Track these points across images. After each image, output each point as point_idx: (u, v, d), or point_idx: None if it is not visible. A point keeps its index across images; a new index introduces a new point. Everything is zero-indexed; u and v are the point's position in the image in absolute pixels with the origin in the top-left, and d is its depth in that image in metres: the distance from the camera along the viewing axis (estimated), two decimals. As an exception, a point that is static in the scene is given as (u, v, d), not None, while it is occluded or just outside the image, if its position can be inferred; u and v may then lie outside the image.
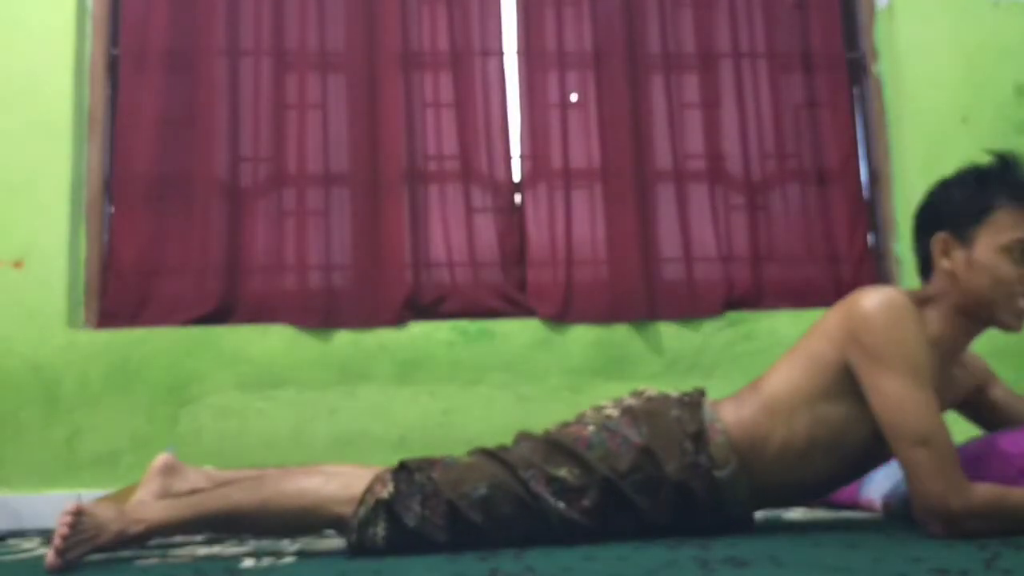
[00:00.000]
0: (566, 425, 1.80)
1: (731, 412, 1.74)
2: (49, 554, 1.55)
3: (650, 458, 1.68)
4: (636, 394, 1.86)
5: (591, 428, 1.74)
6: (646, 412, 1.75)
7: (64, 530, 1.55)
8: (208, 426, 2.61)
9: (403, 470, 1.66)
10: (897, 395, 1.57)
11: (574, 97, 2.96)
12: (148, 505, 1.69)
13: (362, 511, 1.61)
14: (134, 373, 2.62)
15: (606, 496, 1.67)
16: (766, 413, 1.72)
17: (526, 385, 2.72)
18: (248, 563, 1.61)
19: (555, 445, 1.71)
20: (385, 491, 1.61)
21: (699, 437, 1.71)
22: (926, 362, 1.59)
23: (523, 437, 1.80)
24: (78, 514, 1.58)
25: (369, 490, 1.63)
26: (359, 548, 1.63)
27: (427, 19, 2.94)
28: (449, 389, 2.70)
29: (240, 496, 1.66)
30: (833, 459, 1.73)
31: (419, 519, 1.60)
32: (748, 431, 1.71)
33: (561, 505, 1.65)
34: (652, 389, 1.87)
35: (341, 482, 1.66)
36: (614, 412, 1.78)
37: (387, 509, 1.60)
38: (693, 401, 1.79)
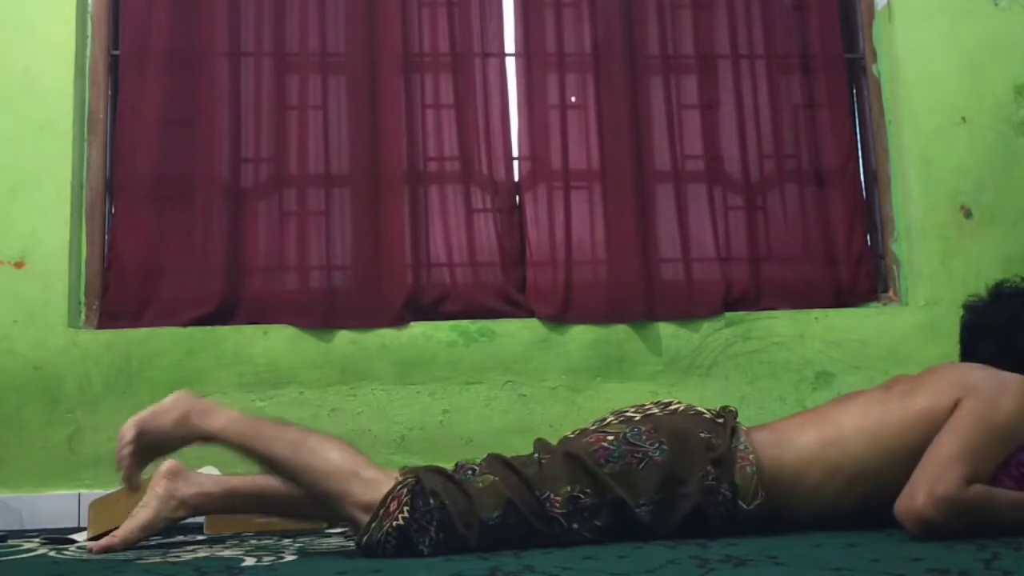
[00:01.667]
0: (585, 432, 1.78)
1: (770, 447, 1.71)
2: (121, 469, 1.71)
3: (669, 479, 1.66)
4: (662, 404, 1.82)
5: (611, 439, 1.71)
6: (671, 429, 1.71)
7: (122, 457, 1.70)
8: (209, 426, 2.61)
9: (418, 485, 1.64)
10: (973, 432, 1.61)
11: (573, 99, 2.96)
12: (214, 412, 1.76)
13: (374, 530, 1.60)
14: (135, 373, 2.62)
15: (617, 516, 1.65)
16: (828, 468, 1.69)
17: (526, 385, 2.73)
18: (249, 562, 1.62)
19: (572, 459, 1.68)
20: (400, 516, 1.60)
21: (724, 463, 1.67)
22: (1017, 438, 1.64)
23: (542, 447, 1.78)
24: (138, 436, 1.70)
25: (384, 507, 1.61)
26: (366, 553, 1.63)
27: (427, 21, 2.94)
28: (449, 389, 2.71)
29: (280, 450, 1.69)
30: (877, 507, 1.70)
31: (433, 545, 1.60)
32: (793, 475, 1.69)
33: (575, 526, 1.64)
34: (680, 402, 1.83)
35: (365, 484, 1.65)
36: (637, 421, 1.76)
37: (400, 533, 1.60)
38: (726, 424, 1.74)
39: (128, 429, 1.71)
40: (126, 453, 1.70)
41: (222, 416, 1.76)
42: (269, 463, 1.71)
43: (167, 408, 1.75)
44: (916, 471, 1.60)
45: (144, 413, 1.75)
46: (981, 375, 1.70)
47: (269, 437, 1.72)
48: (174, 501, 1.84)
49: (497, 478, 1.66)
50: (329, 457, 1.69)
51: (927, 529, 1.55)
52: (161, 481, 1.85)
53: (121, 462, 1.71)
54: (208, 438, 1.75)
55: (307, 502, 1.84)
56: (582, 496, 1.64)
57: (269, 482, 1.86)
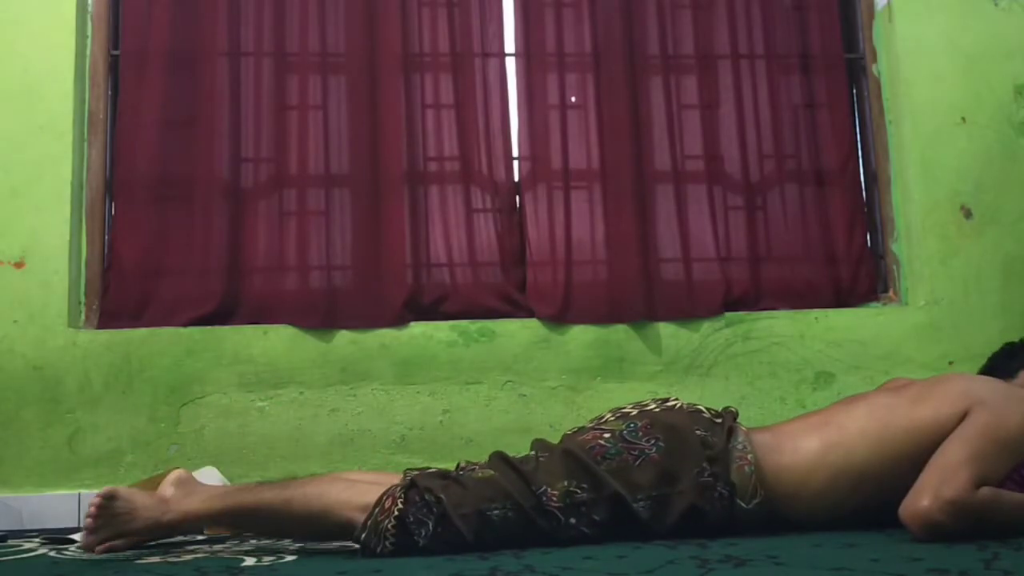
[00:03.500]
0: (583, 430, 1.79)
1: (771, 452, 1.72)
2: (83, 533, 1.68)
3: (665, 475, 1.67)
4: (661, 401, 1.83)
5: (607, 436, 1.72)
6: (667, 425, 1.72)
7: (92, 510, 1.66)
8: (209, 425, 2.62)
9: (413, 488, 1.65)
10: (982, 441, 1.62)
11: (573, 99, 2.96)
12: (185, 496, 1.75)
13: (371, 527, 1.62)
14: (135, 373, 2.62)
15: (615, 511, 1.66)
16: (831, 473, 1.70)
17: (526, 385, 2.73)
18: (249, 562, 1.62)
19: (569, 456, 1.69)
20: (395, 509, 1.61)
21: (720, 461, 1.68)
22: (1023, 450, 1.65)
23: (540, 446, 1.79)
24: (110, 497, 1.67)
25: (380, 505, 1.63)
26: (365, 552, 1.64)
27: (427, 21, 2.94)
28: (449, 389, 2.71)
29: (267, 494, 1.72)
30: (878, 509, 1.71)
31: (430, 537, 1.60)
32: (796, 480, 1.70)
33: (572, 521, 1.65)
34: (679, 400, 1.84)
35: (358, 490, 1.69)
36: (634, 417, 1.76)
37: (398, 527, 1.60)
38: (724, 423, 1.75)
39: (105, 488, 1.71)
40: (89, 508, 1.68)
41: (201, 494, 1.75)
42: (261, 510, 1.71)
43: (151, 492, 1.76)
44: (922, 475, 1.60)
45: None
46: (990, 387, 1.71)
47: (252, 490, 1.75)
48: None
49: (496, 472, 1.68)
50: (317, 481, 1.75)
51: (933, 532, 1.55)
52: (168, 488, 1.85)
53: (85, 517, 1.69)
54: (185, 519, 1.72)
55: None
56: (578, 491, 1.65)
57: (291, 481, 1.89)
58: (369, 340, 2.71)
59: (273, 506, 1.69)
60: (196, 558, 1.70)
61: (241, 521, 1.75)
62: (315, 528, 1.71)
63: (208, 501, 1.74)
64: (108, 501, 1.68)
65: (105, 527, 1.67)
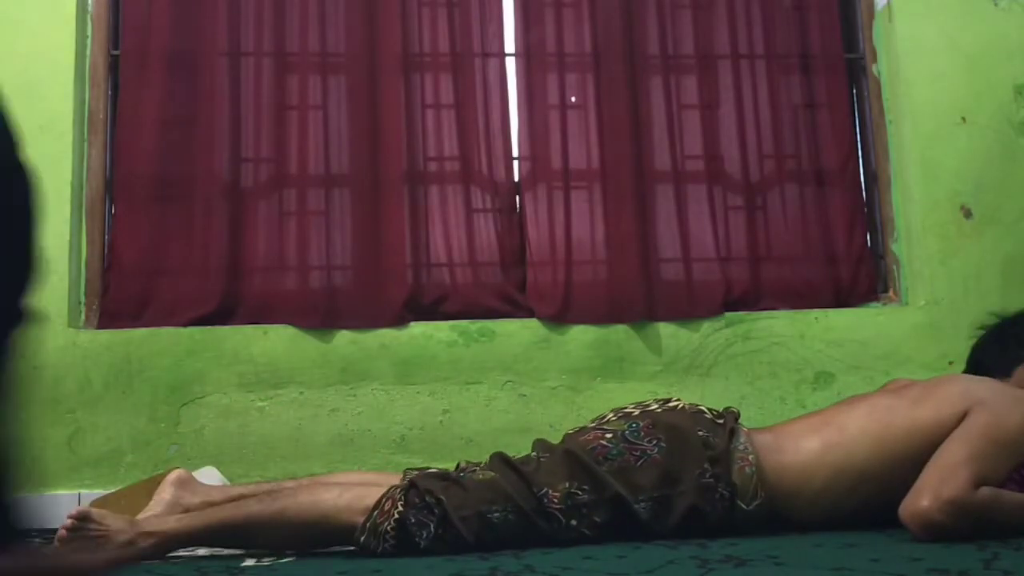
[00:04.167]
0: (585, 430, 1.79)
1: (772, 452, 1.72)
2: None
3: (667, 476, 1.67)
4: (663, 401, 1.83)
5: (609, 436, 1.72)
6: (669, 425, 1.72)
7: (62, 533, 1.57)
8: (209, 426, 2.62)
9: (413, 490, 1.65)
10: (982, 441, 1.61)
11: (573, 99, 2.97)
12: (160, 518, 1.70)
13: (370, 529, 1.62)
14: (135, 373, 2.62)
15: (616, 512, 1.66)
16: (831, 472, 1.70)
17: (526, 385, 2.73)
18: (249, 563, 1.62)
19: (571, 457, 1.69)
20: (395, 512, 1.61)
21: (721, 462, 1.68)
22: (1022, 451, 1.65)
23: (541, 447, 1.79)
24: (83, 518, 1.59)
25: (379, 508, 1.63)
26: (365, 552, 1.64)
27: (427, 21, 2.94)
28: (449, 389, 2.71)
29: (256, 506, 1.67)
30: (878, 509, 1.71)
31: (431, 539, 1.60)
32: (796, 480, 1.70)
33: (573, 523, 1.65)
34: (681, 400, 1.84)
35: (355, 493, 1.67)
36: (636, 417, 1.77)
37: (398, 529, 1.60)
38: (725, 424, 1.75)
39: (76, 509, 1.63)
40: (60, 531, 1.58)
41: (172, 519, 1.70)
42: (250, 524, 1.66)
43: (125, 516, 1.69)
44: (922, 475, 1.60)
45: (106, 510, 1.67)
46: (989, 387, 1.71)
47: (237, 503, 1.70)
48: (180, 509, 1.81)
49: (496, 474, 1.67)
50: (311, 488, 1.71)
51: (932, 532, 1.55)
52: (168, 488, 1.83)
53: (55, 540, 1.59)
54: (162, 541, 1.65)
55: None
56: (580, 492, 1.65)
57: (273, 491, 1.87)
58: (369, 340, 2.71)
59: (264, 518, 1.65)
60: (196, 558, 1.70)
61: (226, 537, 1.69)
62: (314, 535, 1.69)
63: (187, 520, 1.68)
64: (81, 523, 1.60)
65: (76, 551, 1.57)
